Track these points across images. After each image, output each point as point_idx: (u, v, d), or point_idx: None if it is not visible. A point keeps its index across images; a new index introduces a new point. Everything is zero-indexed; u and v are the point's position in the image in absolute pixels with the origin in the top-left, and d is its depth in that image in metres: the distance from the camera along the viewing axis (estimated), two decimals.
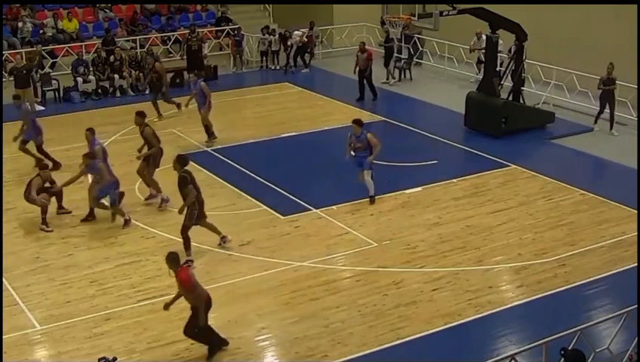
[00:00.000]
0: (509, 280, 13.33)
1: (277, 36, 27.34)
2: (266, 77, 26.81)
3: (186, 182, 13.63)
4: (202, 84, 19.60)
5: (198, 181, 17.17)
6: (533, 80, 23.03)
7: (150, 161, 16.16)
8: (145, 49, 25.59)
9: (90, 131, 16.06)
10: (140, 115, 16.37)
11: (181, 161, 13.81)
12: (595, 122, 20.72)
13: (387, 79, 25.45)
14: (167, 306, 11.11)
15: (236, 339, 11.49)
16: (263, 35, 27.18)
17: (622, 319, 10.20)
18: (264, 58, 27.51)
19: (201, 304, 10.74)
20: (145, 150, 16.18)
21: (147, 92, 23.74)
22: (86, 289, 12.87)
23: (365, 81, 23.32)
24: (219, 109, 22.63)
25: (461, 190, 16.83)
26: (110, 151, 19.22)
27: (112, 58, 24.56)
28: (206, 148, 19.40)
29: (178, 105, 21.88)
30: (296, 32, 27.11)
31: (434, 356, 11.21)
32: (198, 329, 10.83)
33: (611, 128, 20.39)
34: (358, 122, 16.09)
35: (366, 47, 23.71)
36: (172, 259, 10.75)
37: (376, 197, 16.27)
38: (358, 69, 23.39)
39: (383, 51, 25.68)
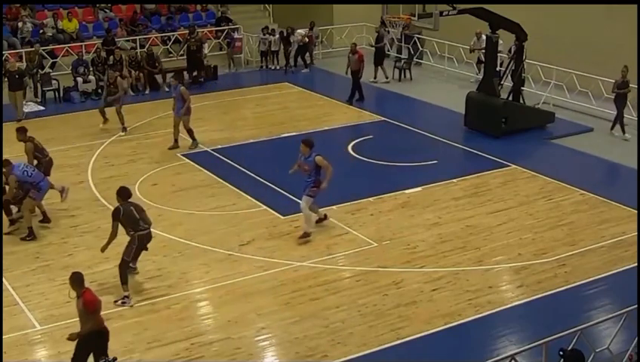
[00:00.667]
0: (509, 280, 13.33)
1: (277, 36, 27.33)
2: (265, 77, 26.79)
3: (113, 216, 12.53)
4: (182, 88, 19.04)
5: (198, 181, 17.33)
6: (533, 80, 23.03)
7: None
8: (145, 49, 25.62)
9: (6, 163, 14.62)
10: (20, 131, 15.88)
11: (120, 193, 12.58)
12: (612, 128, 20.33)
13: (376, 78, 25.50)
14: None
15: (236, 339, 11.49)
16: (264, 35, 27.17)
17: (622, 319, 10.19)
18: (264, 58, 27.52)
19: (94, 329, 9.95)
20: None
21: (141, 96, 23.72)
22: None
23: (353, 82, 23.24)
24: (219, 109, 22.68)
25: (461, 190, 16.83)
26: (110, 151, 19.36)
27: (111, 59, 24.47)
28: (207, 149, 19.37)
29: (106, 120, 21.19)
30: (298, 31, 27.11)
31: (434, 356, 11.20)
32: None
33: (612, 129, 20.37)
34: (306, 143, 14.36)
35: (357, 48, 23.71)
36: (76, 280, 9.95)
37: (375, 197, 16.29)
38: (350, 70, 23.34)
39: (374, 51, 25.72)
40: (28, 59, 23.52)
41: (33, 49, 23.83)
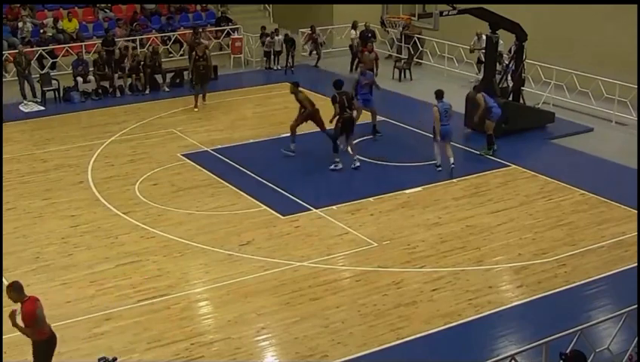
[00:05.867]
0: (509, 280, 13.33)
1: (281, 37, 27.32)
2: (266, 77, 26.79)
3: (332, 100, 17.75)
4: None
5: (198, 181, 17.36)
6: (533, 80, 23.03)
7: None
8: (145, 49, 25.64)
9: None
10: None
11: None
12: None
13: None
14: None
15: (236, 339, 11.49)
16: (271, 38, 27.12)
17: (622, 319, 10.19)
18: (267, 59, 27.52)
19: (40, 340, 9.77)
20: None
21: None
22: (86, 289, 12.85)
23: None
24: (219, 109, 22.69)
25: (461, 190, 16.83)
26: (110, 151, 19.36)
27: (117, 54, 24.41)
28: (207, 149, 19.38)
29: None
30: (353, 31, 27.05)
31: (434, 356, 11.20)
32: None
33: None
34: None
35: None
36: (15, 289, 9.53)
37: (375, 197, 16.34)
38: (360, 68, 23.36)
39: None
40: (16, 63, 23.40)
41: (17, 51, 23.67)
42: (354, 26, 27.13)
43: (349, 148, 18.02)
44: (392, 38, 27.98)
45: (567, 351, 8.84)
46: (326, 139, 18.31)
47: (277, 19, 29.58)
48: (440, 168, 17.51)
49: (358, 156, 18.00)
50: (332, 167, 17.70)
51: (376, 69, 23.50)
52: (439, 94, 17.63)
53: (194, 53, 23.02)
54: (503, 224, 15.18)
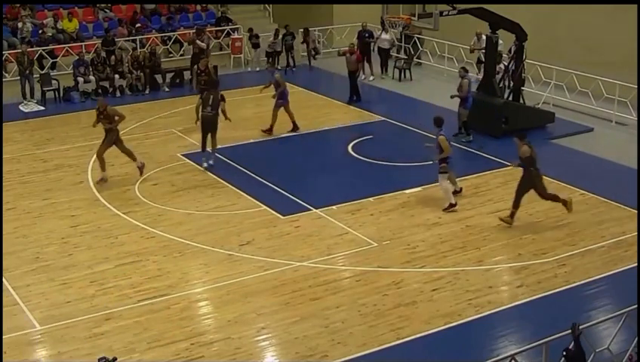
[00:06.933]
0: (509, 280, 13.32)
1: (280, 37, 27.31)
2: (266, 77, 26.69)
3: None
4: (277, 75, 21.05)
5: (198, 181, 17.35)
6: (533, 80, 23.03)
7: None
8: (145, 49, 25.64)
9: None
10: None
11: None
12: None
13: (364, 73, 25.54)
14: None
15: (236, 339, 11.49)
16: (274, 38, 27.11)
17: (622, 319, 10.18)
18: (269, 59, 27.51)
19: None
20: None
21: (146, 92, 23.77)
22: (86, 289, 12.86)
23: (351, 82, 23.32)
24: None
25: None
26: (110, 151, 19.30)
27: (112, 59, 24.45)
28: (207, 149, 19.34)
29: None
30: (383, 37, 26.58)
31: (434, 356, 11.20)
32: None
33: None
34: (435, 121, 16.16)
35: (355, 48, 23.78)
36: None
37: (375, 197, 16.34)
38: (347, 70, 23.37)
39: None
40: (18, 62, 23.39)
41: (20, 50, 23.67)
42: (384, 28, 26.66)
43: (212, 146, 18.05)
44: (392, 39, 27.93)
45: (570, 347, 8.88)
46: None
47: (277, 19, 29.57)
48: (456, 206, 15.73)
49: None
50: (204, 165, 17.94)
51: (359, 71, 23.47)
52: (439, 122, 16.04)
53: (195, 67, 22.07)
54: (503, 224, 15.17)
